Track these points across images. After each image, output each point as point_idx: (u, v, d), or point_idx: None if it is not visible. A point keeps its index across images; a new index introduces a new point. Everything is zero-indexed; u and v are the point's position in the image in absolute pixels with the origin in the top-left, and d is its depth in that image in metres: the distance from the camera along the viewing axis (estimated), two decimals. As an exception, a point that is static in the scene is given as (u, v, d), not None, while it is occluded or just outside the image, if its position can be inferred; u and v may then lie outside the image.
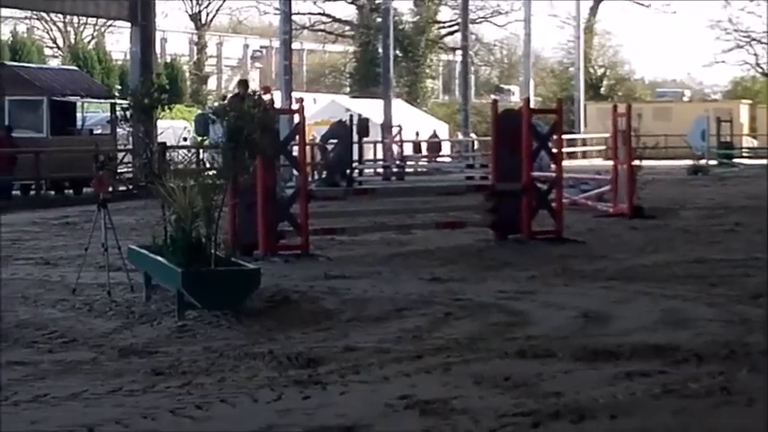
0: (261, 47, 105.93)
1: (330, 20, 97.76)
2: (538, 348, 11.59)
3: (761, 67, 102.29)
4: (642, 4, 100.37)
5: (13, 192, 37.71)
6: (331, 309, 14.21)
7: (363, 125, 52.47)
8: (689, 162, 53.49)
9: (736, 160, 60.60)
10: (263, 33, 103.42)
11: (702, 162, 53.72)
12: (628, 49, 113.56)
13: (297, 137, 21.05)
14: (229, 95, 38.90)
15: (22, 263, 19.13)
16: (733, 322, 13.06)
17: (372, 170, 53.30)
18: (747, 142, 73.39)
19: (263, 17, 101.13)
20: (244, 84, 23.81)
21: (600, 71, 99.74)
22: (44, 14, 74.94)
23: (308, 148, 29.76)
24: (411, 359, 11.16)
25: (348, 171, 44.03)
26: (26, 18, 76.62)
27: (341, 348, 11.70)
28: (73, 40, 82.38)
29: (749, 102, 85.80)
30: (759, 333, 12.30)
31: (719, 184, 43.39)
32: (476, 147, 67.33)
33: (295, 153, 21.26)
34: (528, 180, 22.61)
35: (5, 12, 66.98)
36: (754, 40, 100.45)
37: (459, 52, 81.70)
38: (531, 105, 34.15)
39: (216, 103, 33.77)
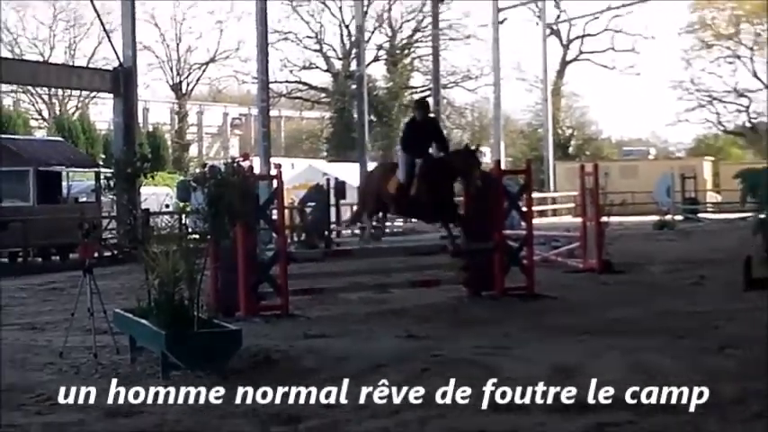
0: (240, 114, 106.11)
1: (306, 87, 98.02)
2: (512, 402, 11.58)
3: (722, 125, 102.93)
4: (607, 67, 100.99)
5: (1, 259, 37.72)
6: (311, 367, 14.13)
7: (340, 188, 52.59)
8: (655, 217, 53.57)
9: (700, 215, 60.81)
10: (241, 101, 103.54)
11: (668, 217, 53.79)
12: (594, 110, 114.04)
13: (275, 201, 21.07)
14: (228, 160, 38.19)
15: (10, 328, 18.99)
16: (701, 373, 13.05)
17: (350, 231, 53.30)
18: (711, 197, 73.48)
19: (241, 86, 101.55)
20: (424, 104, 22.93)
21: (568, 131, 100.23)
22: (29, 87, 75.03)
23: (286, 211, 29.76)
24: (389, 415, 11.13)
25: (326, 233, 44.07)
26: (12, 91, 76.58)
27: (321, 405, 11.67)
28: (58, 112, 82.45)
29: (712, 158, 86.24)
30: (727, 383, 12.28)
31: (685, 238, 43.41)
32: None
33: (274, 217, 21.27)
34: (500, 238, 22.66)
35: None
36: (715, 98, 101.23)
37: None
38: (502, 166, 34.20)
39: (197, 170, 33.85)
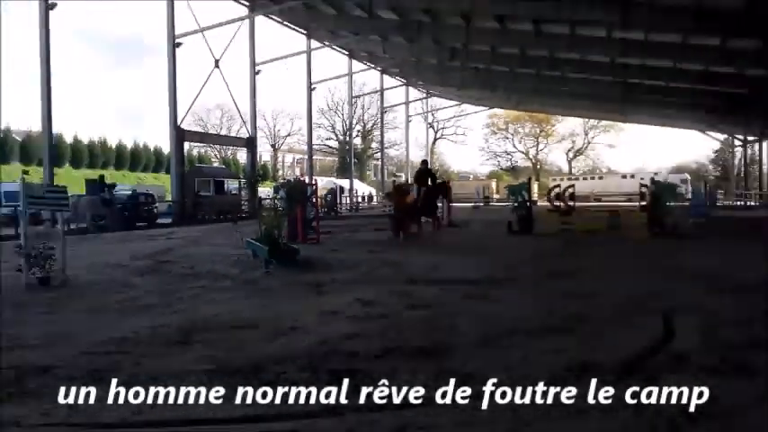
0: (299, 158, 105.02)
1: (328, 148, 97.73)
2: (414, 279, 11.61)
3: (501, 166, 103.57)
4: (454, 141, 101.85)
5: (197, 218, 37.54)
6: (329, 264, 14.10)
7: (341, 190, 52.75)
8: (472, 204, 53.62)
9: (491, 204, 60.87)
10: (301, 153, 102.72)
11: (479, 204, 53.91)
12: (450, 158, 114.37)
13: (314, 194, 21.00)
14: (293, 178, 37.27)
15: (205, 246, 18.87)
16: (487, 268, 13.11)
17: (345, 208, 53.14)
18: (496, 197, 73.43)
19: (301, 146, 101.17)
20: (426, 162, 24.18)
21: (438, 169, 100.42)
22: (211, 146, 74.69)
23: (319, 199, 29.63)
24: (361, 284, 11.17)
25: (335, 208, 44.02)
26: (205, 146, 75.99)
27: (331, 279, 11.66)
28: (223, 155, 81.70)
29: (496, 180, 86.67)
30: (500, 271, 12.32)
31: (477, 212, 43.19)
32: (387, 198, 67.61)
33: (314, 200, 21.20)
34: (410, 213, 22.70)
35: (197, 144, 66.80)
36: (497, 155, 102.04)
37: (379, 161, 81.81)
38: (409, 183, 34.12)
39: (281, 181, 33.92)
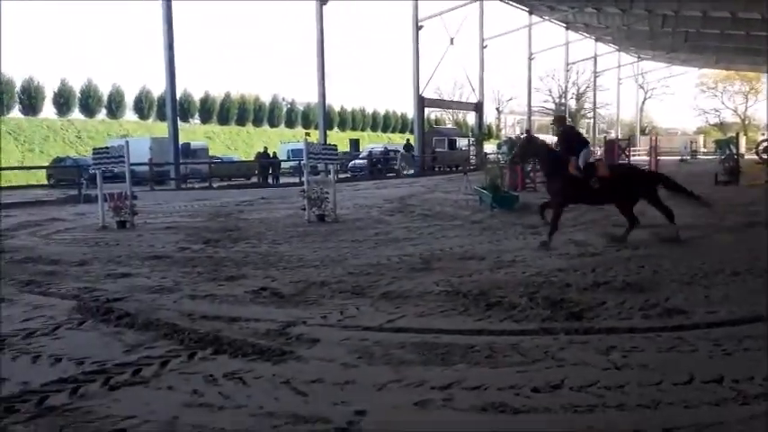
0: (520, 118, 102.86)
1: (546, 109, 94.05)
2: (621, 224, 10.83)
3: (709, 123, 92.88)
4: (662, 100, 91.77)
5: (435, 170, 38.00)
6: (534, 209, 13.70)
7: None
8: (679, 158, 48.70)
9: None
10: (521, 113, 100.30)
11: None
12: (657, 115, 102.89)
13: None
14: (519, 135, 36.51)
15: (440, 192, 18.80)
16: (699, 216, 11.78)
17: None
18: (703, 150, 65.76)
19: (522, 108, 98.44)
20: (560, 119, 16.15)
21: (647, 125, 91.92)
22: (447, 110, 74.35)
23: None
24: (572, 226, 10.63)
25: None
26: (440, 110, 75.72)
27: (545, 222, 11.27)
28: (455, 117, 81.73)
29: (703, 134, 77.65)
30: (709, 218, 11.13)
31: (682, 165, 39.17)
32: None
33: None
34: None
35: (434, 109, 66.67)
36: (706, 112, 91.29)
37: (591, 119, 77.02)
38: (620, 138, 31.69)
39: (504, 138, 33.28)
